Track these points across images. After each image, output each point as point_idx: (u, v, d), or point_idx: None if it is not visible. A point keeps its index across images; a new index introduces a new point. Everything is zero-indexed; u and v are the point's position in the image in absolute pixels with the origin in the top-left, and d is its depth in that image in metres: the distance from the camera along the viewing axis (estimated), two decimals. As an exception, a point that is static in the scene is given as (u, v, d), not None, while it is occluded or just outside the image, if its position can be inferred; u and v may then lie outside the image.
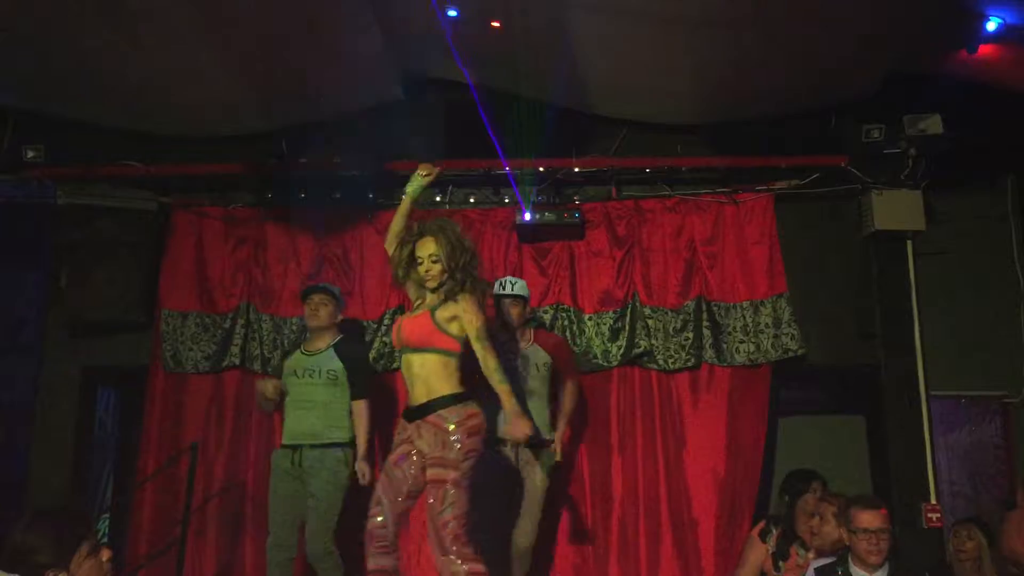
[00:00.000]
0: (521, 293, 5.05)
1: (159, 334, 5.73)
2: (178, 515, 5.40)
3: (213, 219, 5.91)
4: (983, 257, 5.99)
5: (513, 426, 3.84)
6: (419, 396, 3.82)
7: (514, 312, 4.98)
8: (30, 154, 5.61)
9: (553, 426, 4.94)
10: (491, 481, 4.41)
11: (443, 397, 3.78)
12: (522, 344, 5.00)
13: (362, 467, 4.75)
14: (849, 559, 3.93)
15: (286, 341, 5.61)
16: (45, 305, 5.86)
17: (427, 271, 3.91)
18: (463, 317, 3.84)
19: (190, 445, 5.46)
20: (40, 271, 5.88)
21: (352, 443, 4.83)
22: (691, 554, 5.42)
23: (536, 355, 4.98)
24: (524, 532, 4.81)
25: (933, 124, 5.56)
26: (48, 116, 5.71)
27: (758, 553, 5.08)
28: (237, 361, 5.69)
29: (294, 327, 5.67)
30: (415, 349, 3.84)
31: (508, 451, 4.79)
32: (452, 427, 3.73)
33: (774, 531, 5.03)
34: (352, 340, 5.26)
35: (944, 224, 5.89)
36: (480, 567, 3.64)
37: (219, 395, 5.73)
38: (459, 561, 3.60)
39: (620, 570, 5.41)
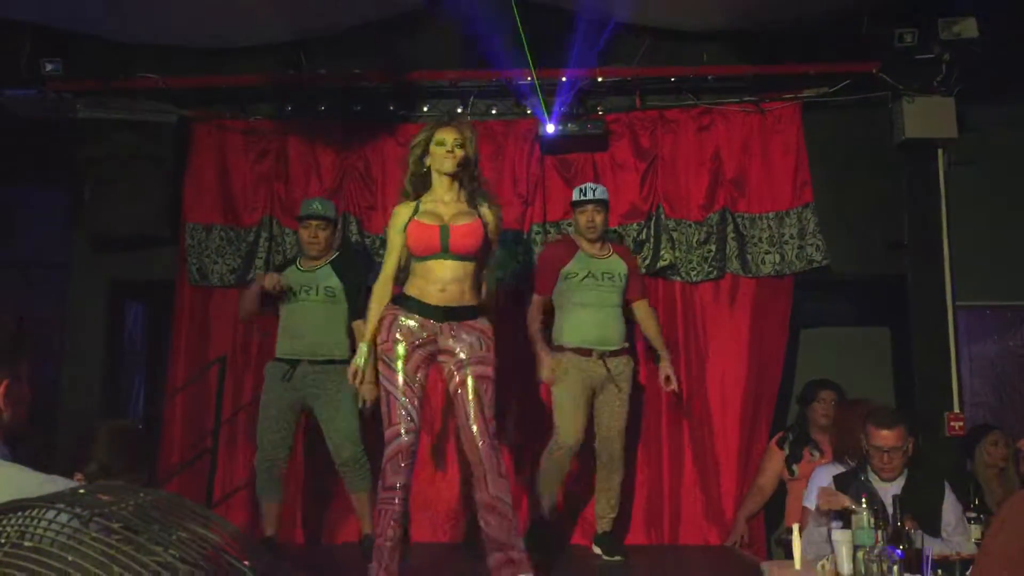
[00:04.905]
0: (604, 198, 5.00)
1: (184, 248, 5.75)
2: (208, 426, 5.52)
3: (233, 132, 5.86)
4: (1015, 166, 5.87)
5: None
6: (454, 297, 3.81)
7: (599, 219, 4.93)
8: (48, 67, 5.55)
9: (628, 339, 4.98)
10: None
11: (483, 304, 3.93)
12: (602, 253, 4.98)
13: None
14: (868, 467, 3.96)
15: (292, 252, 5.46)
16: (71, 220, 5.90)
17: (448, 153, 3.83)
18: (493, 233, 3.95)
19: (218, 358, 5.55)
20: (64, 186, 5.90)
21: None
22: (711, 464, 5.47)
23: (618, 266, 4.95)
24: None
25: (968, 27, 5.35)
26: (66, 30, 5.62)
27: (776, 461, 5.18)
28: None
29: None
30: (462, 256, 3.82)
31: (595, 360, 4.79)
32: (490, 330, 3.87)
33: (790, 438, 5.13)
34: (349, 257, 5.18)
35: (976, 132, 5.74)
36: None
37: (246, 308, 5.76)
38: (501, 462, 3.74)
39: (644, 477, 5.48)
